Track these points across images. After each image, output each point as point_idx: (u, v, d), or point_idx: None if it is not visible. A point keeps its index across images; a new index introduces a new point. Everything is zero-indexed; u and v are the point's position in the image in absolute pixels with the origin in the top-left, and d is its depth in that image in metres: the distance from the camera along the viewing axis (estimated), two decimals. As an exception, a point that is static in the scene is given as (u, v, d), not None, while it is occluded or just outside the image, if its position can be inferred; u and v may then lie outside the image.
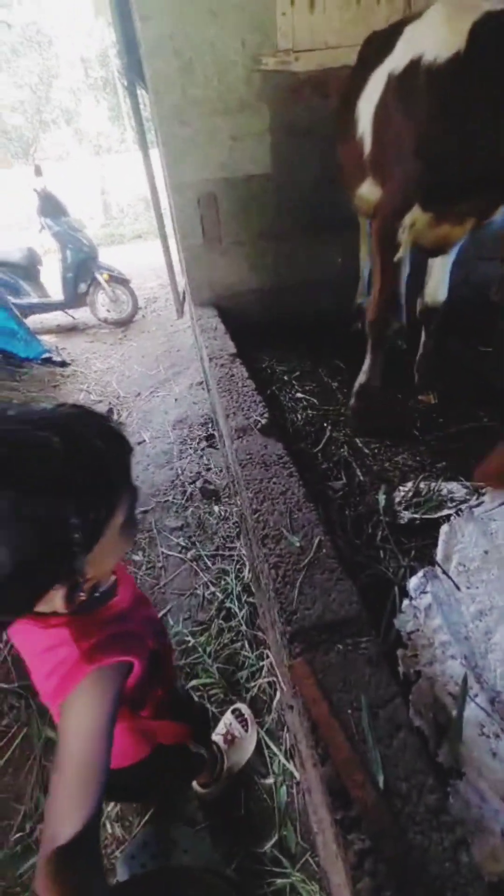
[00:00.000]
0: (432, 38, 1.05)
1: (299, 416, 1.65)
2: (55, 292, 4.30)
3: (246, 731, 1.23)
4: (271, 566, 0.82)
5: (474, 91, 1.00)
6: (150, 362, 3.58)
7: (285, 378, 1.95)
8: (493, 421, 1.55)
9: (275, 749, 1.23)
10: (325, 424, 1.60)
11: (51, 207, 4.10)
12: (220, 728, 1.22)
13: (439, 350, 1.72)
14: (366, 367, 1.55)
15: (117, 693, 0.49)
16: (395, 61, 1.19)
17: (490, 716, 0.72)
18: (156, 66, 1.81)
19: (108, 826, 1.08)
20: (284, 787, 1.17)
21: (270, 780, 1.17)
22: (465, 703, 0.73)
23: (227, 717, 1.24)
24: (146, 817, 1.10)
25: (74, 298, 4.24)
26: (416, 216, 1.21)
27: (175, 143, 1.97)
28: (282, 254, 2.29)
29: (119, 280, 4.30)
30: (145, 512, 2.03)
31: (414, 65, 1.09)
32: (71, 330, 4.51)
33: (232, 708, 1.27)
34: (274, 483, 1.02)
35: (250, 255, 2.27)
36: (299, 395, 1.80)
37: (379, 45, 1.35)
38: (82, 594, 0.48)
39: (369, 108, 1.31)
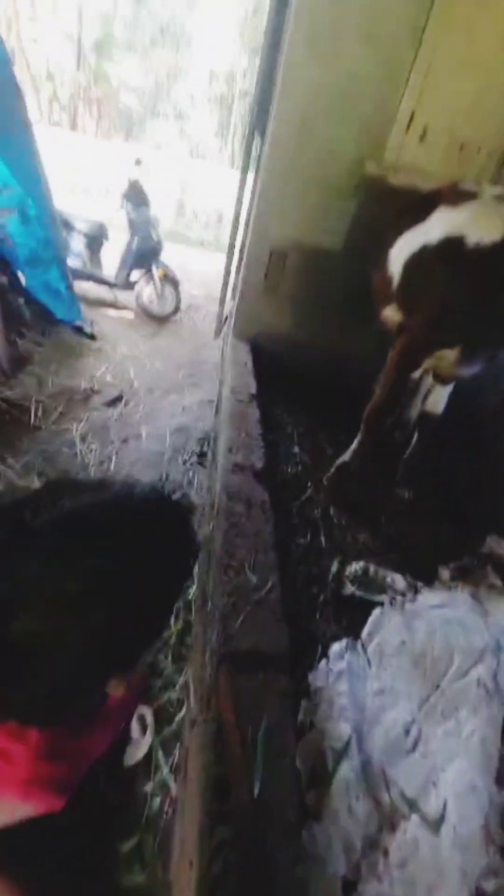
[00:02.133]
0: (477, 227, 1.34)
1: (289, 469, 1.82)
2: (109, 269, 4.50)
3: (143, 736, 1.30)
4: (225, 593, 0.95)
5: None
6: (172, 365, 3.75)
7: (289, 430, 2.12)
8: (449, 534, 1.73)
9: (162, 761, 1.31)
10: (309, 483, 1.76)
11: (135, 196, 4.37)
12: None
13: (426, 455, 1.92)
14: (352, 448, 1.74)
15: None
16: (428, 234, 1.48)
17: (357, 779, 0.84)
18: (279, 132, 2.09)
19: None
20: (158, 799, 1.25)
21: (148, 788, 1.25)
22: (342, 762, 0.86)
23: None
24: None
25: (125, 282, 4.45)
26: (447, 352, 1.45)
27: (270, 195, 2.22)
28: (328, 321, 2.52)
29: (171, 280, 4.54)
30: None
31: (454, 242, 1.37)
32: (108, 307, 4.68)
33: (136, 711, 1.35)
34: (250, 523, 1.16)
35: (301, 311, 2.49)
36: (296, 449, 1.97)
37: (411, 213, 1.63)
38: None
39: (401, 257, 1.60)
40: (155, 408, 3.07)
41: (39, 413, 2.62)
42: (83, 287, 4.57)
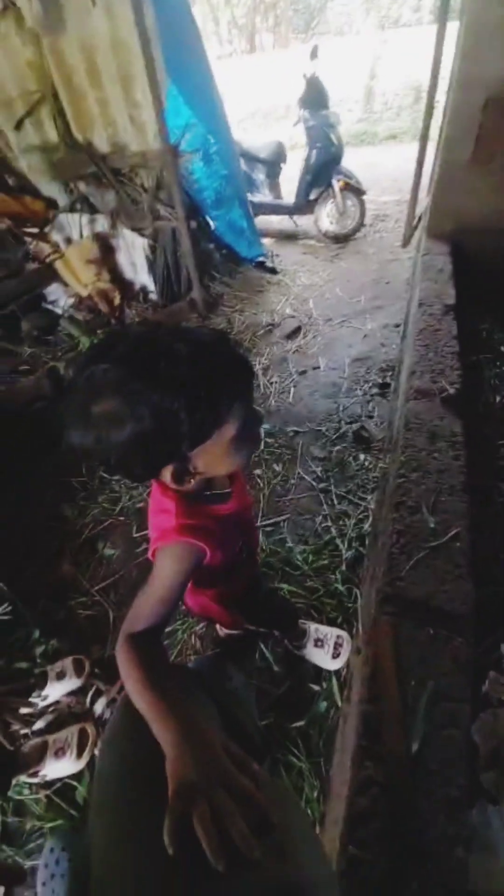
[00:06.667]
0: None
1: (497, 399, 1.44)
2: (288, 193, 4.30)
3: (329, 652, 1.33)
4: (395, 531, 0.83)
5: None
6: (353, 289, 3.43)
7: (501, 349, 1.66)
8: None
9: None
10: (524, 416, 1.36)
11: (313, 97, 3.89)
12: (323, 632, 1.36)
13: None
14: None
15: (192, 562, 0.66)
16: None
17: None
18: None
19: (190, 637, 1.41)
20: (326, 703, 1.31)
21: (318, 688, 1.32)
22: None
23: (330, 631, 1.36)
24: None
25: (304, 205, 4.18)
26: None
27: (482, 22, 1.58)
28: None
29: (354, 190, 4.02)
30: (297, 433, 2.17)
31: None
32: (289, 237, 4.54)
33: (338, 632, 1.36)
34: (434, 458, 0.97)
35: (524, 184, 1.83)
36: (507, 372, 1.54)
37: None
38: (191, 481, 0.62)
39: None
40: (333, 337, 2.91)
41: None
42: (265, 220, 4.54)
